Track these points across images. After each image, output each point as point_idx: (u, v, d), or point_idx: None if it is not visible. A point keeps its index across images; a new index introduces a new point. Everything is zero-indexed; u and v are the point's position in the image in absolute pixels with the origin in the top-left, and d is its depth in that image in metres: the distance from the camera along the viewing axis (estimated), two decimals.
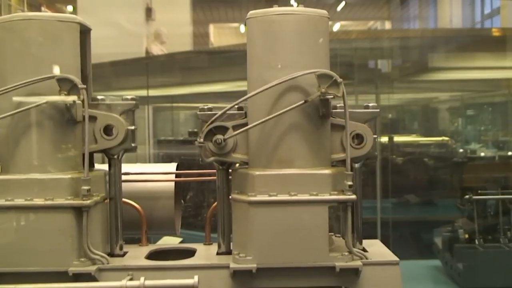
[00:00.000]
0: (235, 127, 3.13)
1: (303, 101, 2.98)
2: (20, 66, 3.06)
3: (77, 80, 3.04)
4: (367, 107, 3.22)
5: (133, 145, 3.24)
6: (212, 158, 3.16)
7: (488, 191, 7.70)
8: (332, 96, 2.96)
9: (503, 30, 12.16)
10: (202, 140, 3.10)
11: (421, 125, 13.11)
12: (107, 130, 3.18)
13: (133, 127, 3.22)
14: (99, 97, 3.25)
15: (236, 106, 3.17)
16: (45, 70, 3.03)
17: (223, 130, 3.12)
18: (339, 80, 2.94)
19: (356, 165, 3.20)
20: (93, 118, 3.14)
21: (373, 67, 10.96)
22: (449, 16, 15.88)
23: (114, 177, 3.26)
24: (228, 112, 3.15)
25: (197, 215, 9.57)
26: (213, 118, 3.12)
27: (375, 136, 3.17)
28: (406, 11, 18.43)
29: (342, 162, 3.09)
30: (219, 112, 3.13)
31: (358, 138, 3.15)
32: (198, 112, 3.18)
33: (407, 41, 10.95)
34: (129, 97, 3.25)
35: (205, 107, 3.19)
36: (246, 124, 3.12)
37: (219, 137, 3.08)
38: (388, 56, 10.75)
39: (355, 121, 3.15)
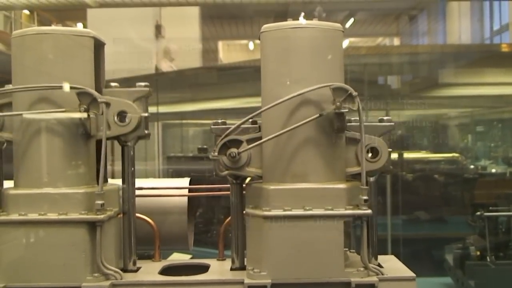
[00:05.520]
0: (249, 141, 3.12)
1: (318, 115, 2.97)
2: (34, 81, 3.05)
3: (97, 94, 3.04)
4: (381, 120, 3.21)
5: (146, 132, 3.23)
6: (226, 172, 3.14)
7: (499, 207, 7.65)
8: (347, 110, 2.95)
9: None
10: (216, 153, 3.09)
11: (431, 142, 13.05)
12: (121, 116, 3.17)
13: (146, 114, 3.22)
14: (112, 84, 3.25)
15: (250, 120, 3.17)
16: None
17: (237, 143, 3.11)
18: (354, 93, 2.93)
19: (371, 179, 3.17)
20: (106, 104, 3.13)
21: (382, 83, 10.96)
22: (458, 32, 15.88)
23: (126, 164, 3.23)
24: (242, 126, 3.15)
25: (207, 231, 9.54)
26: (227, 132, 3.11)
27: (390, 149, 3.16)
28: (415, 27, 18.46)
29: (357, 175, 3.07)
30: (233, 126, 3.12)
31: (373, 151, 3.13)
32: (212, 126, 3.17)
33: (416, 57, 10.95)
34: (142, 84, 3.24)
35: (219, 121, 3.19)
36: (260, 138, 3.10)
37: (233, 150, 3.07)
38: (398, 72, 10.75)
39: (370, 135, 3.13)
